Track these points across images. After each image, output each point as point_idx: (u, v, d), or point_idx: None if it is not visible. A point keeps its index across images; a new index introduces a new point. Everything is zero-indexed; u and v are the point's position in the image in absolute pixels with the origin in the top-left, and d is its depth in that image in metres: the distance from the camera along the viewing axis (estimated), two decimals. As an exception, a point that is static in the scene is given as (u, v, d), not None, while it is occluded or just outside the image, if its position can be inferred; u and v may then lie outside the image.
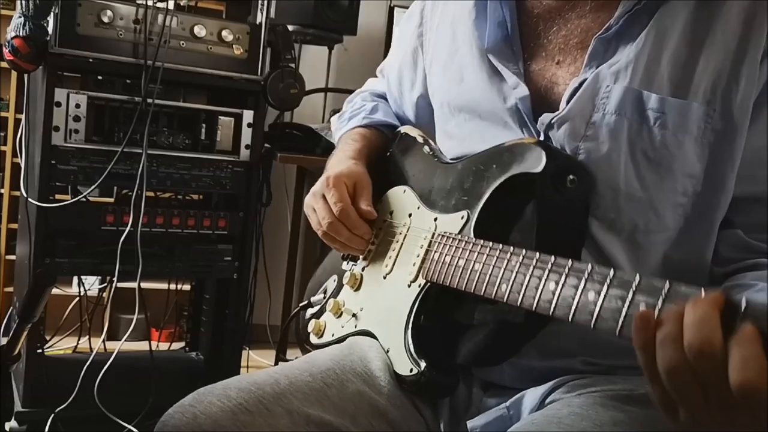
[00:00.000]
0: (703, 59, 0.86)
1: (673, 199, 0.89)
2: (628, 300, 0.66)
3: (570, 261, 0.73)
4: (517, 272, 0.79)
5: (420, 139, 1.14)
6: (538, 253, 0.78)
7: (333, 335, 1.11)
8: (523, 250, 0.80)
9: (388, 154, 1.20)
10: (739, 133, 0.86)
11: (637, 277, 0.66)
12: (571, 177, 0.86)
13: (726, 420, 0.59)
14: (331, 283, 1.18)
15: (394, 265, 1.04)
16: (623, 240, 0.89)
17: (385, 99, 1.32)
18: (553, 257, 0.76)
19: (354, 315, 1.08)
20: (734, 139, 0.86)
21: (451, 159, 1.06)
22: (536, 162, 0.87)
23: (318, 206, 1.07)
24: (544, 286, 0.75)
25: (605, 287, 0.69)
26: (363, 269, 1.11)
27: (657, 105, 0.86)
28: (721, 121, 0.86)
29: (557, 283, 0.73)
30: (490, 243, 0.86)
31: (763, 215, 0.89)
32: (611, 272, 0.69)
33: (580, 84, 0.90)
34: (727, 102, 0.86)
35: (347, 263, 1.16)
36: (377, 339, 1.02)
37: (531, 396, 0.91)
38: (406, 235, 1.04)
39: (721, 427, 0.60)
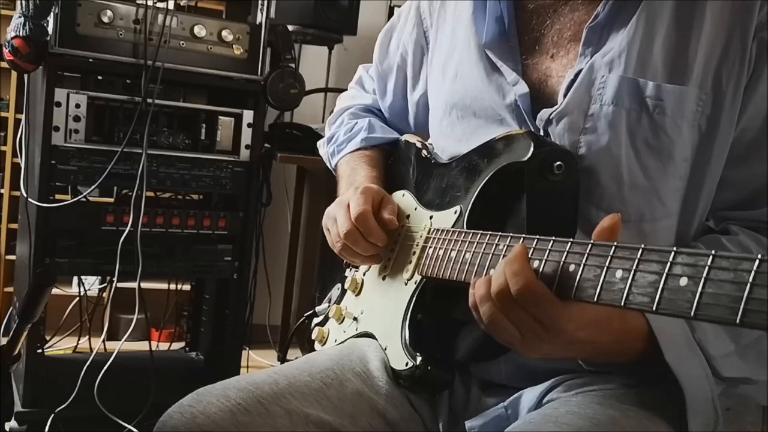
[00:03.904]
0: (694, 42, 0.86)
1: (674, 184, 0.89)
2: (605, 267, 0.67)
3: (552, 239, 0.74)
4: (503, 256, 0.80)
5: (419, 144, 1.14)
6: (523, 235, 0.78)
7: (336, 341, 1.11)
8: (510, 234, 0.81)
9: (389, 162, 1.21)
10: (725, 115, 0.87)
11: (613, 244, 0.67)
12: (558, 164, 0.87)
13: (539, 344, 0.75)
14: (334, 292, 1.19)
15: (392, 265, 1.04)
16: (630, 230, 0.89)
17: (373, 112, 1.29)
18: (537, 237, 0.76)
19: (355, 318, 1.09)
20: (719, 121, 0.87)
21: (447, 159, 1.06)
22: (524, 151, 0.88)
23: (340, 214, 1.03)
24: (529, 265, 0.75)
25: (584, 257, 0.69)
26: (364, 274, 1.11)
27: (654, 92, 0.87)
28: (712, 103, 0.87)
29: (541, 261, 0.74)
30: (480, 232, 0.87)
31: (730, 199, 0.91)
32: (590, 243, 0.70)
33: (576, 76, 0.90)
34: (717, 84, 0.86)
35: (349, 269, 1.16)
36: (376, 339, 1.03)
37: (529, 395, 0.92)
38: (404, 235, 1.05)
39: (541, 350, 0.76)
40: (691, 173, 0.89)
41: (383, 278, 1.05)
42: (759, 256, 0.55)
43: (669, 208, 0.90)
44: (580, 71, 0.90)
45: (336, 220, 1.04)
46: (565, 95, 0.91)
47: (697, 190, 0.90)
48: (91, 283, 2.75)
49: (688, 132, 0.87)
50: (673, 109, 0.86)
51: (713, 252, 0.58)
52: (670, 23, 0.87)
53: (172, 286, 2.64)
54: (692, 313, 0.58)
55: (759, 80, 0.87)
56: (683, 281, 0.60)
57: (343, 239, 1.01)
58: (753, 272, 0.55)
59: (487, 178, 0.92)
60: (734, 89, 0.86)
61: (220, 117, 2.17)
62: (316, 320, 1.21)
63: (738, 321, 0.55)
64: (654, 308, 0.62)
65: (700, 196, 0.91)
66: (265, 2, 2.15)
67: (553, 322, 0.73)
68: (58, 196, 2.03)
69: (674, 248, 0.62)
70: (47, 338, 2.35)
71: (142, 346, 2.40)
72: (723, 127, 0.87)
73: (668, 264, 0.62)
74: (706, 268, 0.58)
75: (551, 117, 0.91)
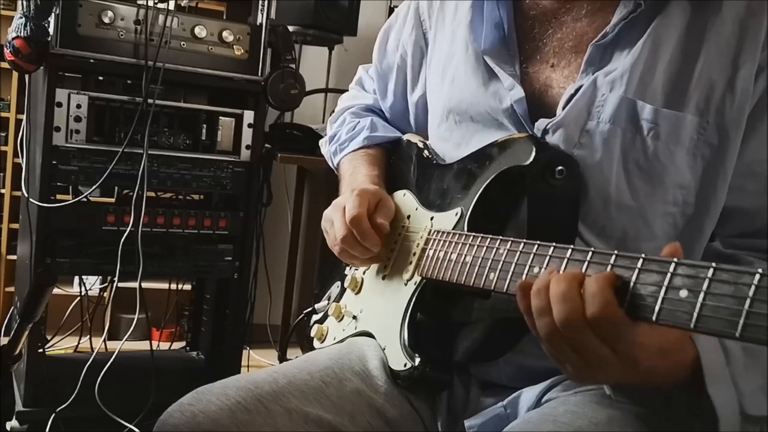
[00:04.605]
0: (698, 70, 0.86)
1: (663, 209, 0.89)
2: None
3: (553, 245, 0.74)
4: (504, 260, 0.80)
5: (420, 145, 1.15)
6: (523, 241, 0.79)
7: (335, 338, 1.11)
8: (510, 239, 0.81)
9: (391, 161, 1.21)
10: (731, 144, 0.86)
11: (614, 253, 0.68)
12: (559, 168, 0.87)
13: (603, 372, 0.69)
14: (334, 289, 1.20)
15: (392, 265, 1.04)
16: (613, 247, 0.90)
17: (375, 112, 1.29)
18: (537, 243, 0.76)
19: (354, 317, 1.09)
20: (726, 150, 0.87)
21: (449, 161, 1.07)
22: (526, 155, 0.88)
23: (336, 218, 1.03)
24: (528, 270, 0.76)
25: (585, 265, 0.70)
26: (364, 272, 1.12)
27: (651, 116, 0.87)
28: (715, 132, 0.86)
29: (541, 267, 0.74)
30: (481, 235, 0.87)
31: (740, 227, 0.90)
32: (590, 251, 0.70)
33: (577, 90, 0.90)
34: (720, 114, 0.86)
35: (349, 268, 1.17)
36: (375, 338, 1.03)
37: (528, 395, 0.92)
38: (404, 236, 1.05)
39: (601, 378, 0.71)
40: (696, 201, 0.89)
41: (383, 278, 1.05)
42: (760, 270, 0.55)
43: (654, 231, 0.90)
44: (581, 86, 0.90)
45: (333, 223, 1.04)
46: (564, 107, 0.91)
47: (701, 218, 0.90)
48: (92, 283, 2.75)
49: (687, 159, 0.87)
50: (668, 135, 0.86)
51: (714, 265, 0.58)
52: (676, 50, 0.87)
53: (173, 286, 2.64)
54: (692, 326, 0.59)
55: (765, 112, 0.86)
56: (683, 293, 0.60)
57: (340, 243, 1.02)
58: (753, 286, 0.55)
59: (488, 181, 0.93)
60: (737, 119, 0.86)
61: (220, 117, 2.18)
62: (315, 317, 1.21)
63: (738, 335, 0.55)
64: (654, 319, 0.62)
65: (704, 224, 0.90)
66: (266, 3, 2.15)
67: (628, 349, 0.66)
68: (59, 196, 2.04)
69: (675, 259, 0.62)
70: (48, 338, 2.35)
71: (143, 345, 2.40)
72: (729, 156, 0.87)
73: (668, 275, 0.62)
74: (707, 280, 0.58)
75: (548, 127, 0.92)
